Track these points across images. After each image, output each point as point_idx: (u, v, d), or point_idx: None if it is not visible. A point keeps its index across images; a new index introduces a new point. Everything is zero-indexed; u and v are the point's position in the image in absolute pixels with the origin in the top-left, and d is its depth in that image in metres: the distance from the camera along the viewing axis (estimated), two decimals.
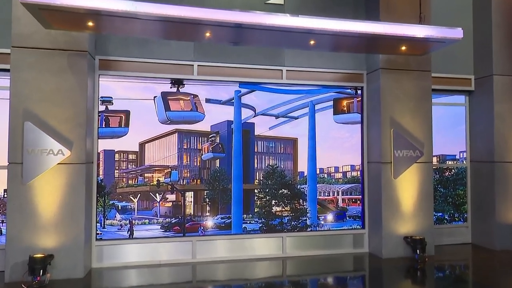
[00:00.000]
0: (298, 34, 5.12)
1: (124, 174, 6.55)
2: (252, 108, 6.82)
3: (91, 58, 6.02)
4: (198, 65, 6.61)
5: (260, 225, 6.76)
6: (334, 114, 7.11)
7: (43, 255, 5.32)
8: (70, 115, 5.63)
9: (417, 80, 6.79)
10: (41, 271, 5.19)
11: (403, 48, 5.87)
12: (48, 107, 5.54)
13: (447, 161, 7.87)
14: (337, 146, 7.11)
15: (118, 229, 6.41)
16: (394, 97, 6.69)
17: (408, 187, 6.63)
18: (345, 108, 7.15)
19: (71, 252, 5.56)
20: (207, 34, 5.24)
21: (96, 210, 6.28)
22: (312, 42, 5.59)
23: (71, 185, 5.60)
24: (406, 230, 6.63)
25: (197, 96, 6.64)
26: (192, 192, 6.69)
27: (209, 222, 6.67)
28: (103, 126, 6.38)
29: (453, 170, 7.87)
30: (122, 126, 6.38)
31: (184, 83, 6.61)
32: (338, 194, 7.19)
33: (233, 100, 6.75)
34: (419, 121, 6.78)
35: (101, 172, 6.42)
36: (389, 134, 6.61)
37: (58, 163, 5.50)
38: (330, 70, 7.05)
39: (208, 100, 6.66)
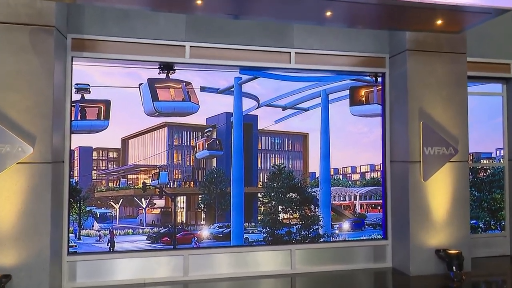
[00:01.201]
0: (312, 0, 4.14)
1: (103, 175, 6.00)
2: (255, 98, 6.29)
3: (60, 36, 5.19)
4: (190, 46, 5.82)
5: (265, 236, 6.21)
6: (350, 105, 6.56)
7: None
8: (32, 103, 4.80)
9: (451, 64, 6.06)
10: None
11: (439, 22, 4.95)
12: (4, 94, 4.73)
13: (482, 160, 7.27)
14: (354, 143, 6.61)
15: (96, 240, 5.75)
16: (424, 84, 5.97)
17: (440, 191, 5.93)
18: (363, 98, 6.58)
19: (33, 271, 4.75)
20: (199, 2, 4.29)
21: (69, 218, 5.47)
22: (328, 13, 4.65)
23: (34, 189, 4.78)
24: (438, 242, 5.91)
25: (190, 83, 6.05)
26: (184, 197, 6.19)
27: (205, 232, 6.09)
28: (79, 118, 5.67)
29: (488, 170, 7.25)
30: (101, 118, 5.76)
31: (175, 68, 5.89)
32: (355, 199, 6.77)
33: (232, 89, 6.19)
34: (453, 113, 6.06)
35: (75, 173, 5.72)
36: (417, 128, 5.91)
37: (18, 163, 4.71)
38: (346, 53, 6.31)
39: (203, 89, 6.09)
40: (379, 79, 6.49)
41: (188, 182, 6.17)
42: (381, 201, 6.54)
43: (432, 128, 5.91)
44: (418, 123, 5.92)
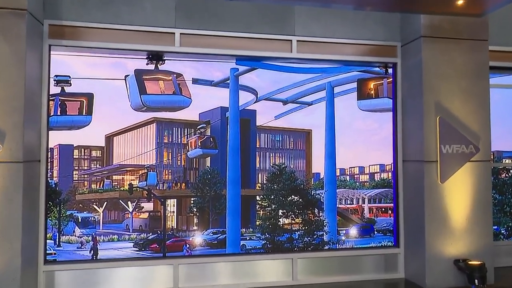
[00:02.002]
0: None
1: (85, 176, 5.91)
2: (253, 91, 6.07)
3: (35, 22, 4.80)
4: (181, 34, 5.44)
5: (264, 243, 5.99)
6: (358, 99, 6.29)
7: None
8: (0, 96, 4.43)
9: (471, 52, 5.67)
10: None
11: (459, 1, 4.39)
12: None
13: (504, 159, 7.07)
14: (363, 140, 6.42)
15: (77, 247, 5.52)
16: (440, 75, 5.59)
17: (459, 194, 5.58)
18: (372, 92, 6.30)
19: (2, 282, 4.39)
20: None
21: (46, 223, 5.09)
22: None
23: (4, 191, 4.40)
24: (457, 251, 5.52)
25: (182, 75, 5.79)
26: (175, 200, 6.08)
27: (197, 238, 5.89)
28: (58, 113, 5.37)
29: (511, 171, 7.06)
30: (83, 113, 5.51)
31: (165, 58, 5.57)
32: (363, 202, 6.66)
33: (228, 81, 5.95)
34: (474, 106, 5.68)
35: (55, 174, 5.50)
36: (433, 123, 5.55)
37: None
38: (353, 41, 5.93)
39: (195, 81, 5.85)
40: (390, 70, 6.15)
41: (179, 184, 6.06)
42: (392, 204, 6.23)
43: (450, 123, 5.58)
44: (434, 118, 5.57)
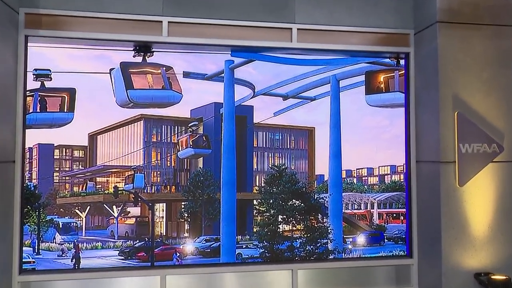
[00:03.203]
0: None
1: (67, 178, 5.88)
2: (250, 85, 5.93)
3: (8, 10, 4.52)
4: (169, 22, 5.13)
5: (262, 251, 5.85)
6: (366, 94, 6.01)
7: None
8: None
9: (493, 39, 5.29)
10: None
11: None
12: None
13: None
14: (372, 139, 6.23)
15: (58, 255, 5.43)
16: (459, 65, 5.22)
17: (480, 198, 5.21)
18: (382, 85, 6.02)
19: None
20: None
21: (22, 229, 4.84)
22: None
23: None
24: (478, 263, 5.15)
25: (172, 68, 5.59)
26: (164, 204, 6.04)
27: (188, 246, 5.80)
28: (38, 110, 5.20)
29: None
30: (65, 110, 5.35)
31: (153, 50, 5.29)
32: (372, 207, 6.57)
33: (222, 74, 5.83)
34: (496, 100, 5.31)
35: (34, 175, 5.43)
36: (451, 119, 5.18)
37: None
38: (361, 29, 5.59)
39: (187, 74, 5.71)
40: (402, 61, 5.80)
41: (168, 187, 6.04)
42: (404, 210, 5.91)
43: (469, 119, 5.24)
44: (451, 114, 5.21)
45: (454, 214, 5.13)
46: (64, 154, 5.71)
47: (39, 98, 5.13)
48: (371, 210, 6.55)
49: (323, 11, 5.48)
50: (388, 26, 5.63)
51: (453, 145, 5.15)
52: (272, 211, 6.07)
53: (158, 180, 6.04)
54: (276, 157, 6.45)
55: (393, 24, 5.64)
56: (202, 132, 6.04)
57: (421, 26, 5.49)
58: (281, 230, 6.04)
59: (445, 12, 5.18)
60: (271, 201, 6.11)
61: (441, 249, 5.07)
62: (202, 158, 6.10)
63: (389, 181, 6.58)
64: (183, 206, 6.03)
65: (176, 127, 6.07)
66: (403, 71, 5.78)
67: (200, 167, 6.07)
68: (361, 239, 6.23)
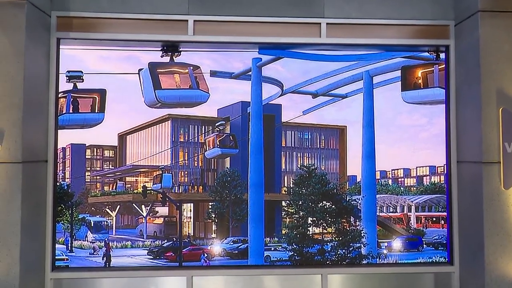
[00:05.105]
0: None
1: (97, 177, 5.95)
2: (278, 83, 5.83)
3: (40, 14, 4.68)
4: (194, 21, 5.14)
5: (291, 254, 5.73)
6: (403, 90, 5.84)
7: None
8: None
9: None
10: None
11: None
12: None
13: None
14: (408, 138, 6.00)
15: (90, 253, 5.50)
16: (503, 57, 4.89)
17: None
18: (420, 81, 5.80)
19: None
20: None
21: (54, 227, 4.98)
22: None
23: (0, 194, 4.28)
24: None
25: (199, 67, 5.61)
26: (192, 204, 6.03)
27: (216, 247, 5.76)
28: (70, 111, 5.31)
29: None
30: (96, 111, 5.45)
31: (180, 49, 5.33)
32: (409, 210, 6.35)
33: (250, 73, 5.75)
34: None
35: (67, 175, 5.54)
36: (495, 116, 4.88)
37: None
38: (396, 21, 5.39)
39: (214, 73, 5.66)
40: (442, 54, 5.53)
41: (196, 187, 6.00)
42: (445, 213, 5.67)
43: None
44: (496, 110, 4.89)
45: (498, 219, 4.82)
46: (95, 154, 5.77)
47: (72, 99, 5.26)
48: (408, 214, 6.39)
49: (354, 4, 5.32)
50: (426, 18, 5.40)
51: (497, 144, 4.85)
52: (301, 213, 5.99)
53: (186, 180, 6.05)
54: (305, 157, 6.36)
55: (431, 15, 5.40)
56: (229, 132, 6.04)
57: (462, 16, 5.20)
58: (311, 232, 5.95)
59: (488, 0, 4.88)
60: (300, 203, 6.01)
61: (484, 257, 4.78)
62: (229, 158, 6.09)
63: (428, 183, 6.36)
64: (210, 207, 6.04)
65: (203, 126, 6.09)
66: (443, 65, 5.52)
67: (227, 167, 6.06)
68: (397, 243, 6.05)
